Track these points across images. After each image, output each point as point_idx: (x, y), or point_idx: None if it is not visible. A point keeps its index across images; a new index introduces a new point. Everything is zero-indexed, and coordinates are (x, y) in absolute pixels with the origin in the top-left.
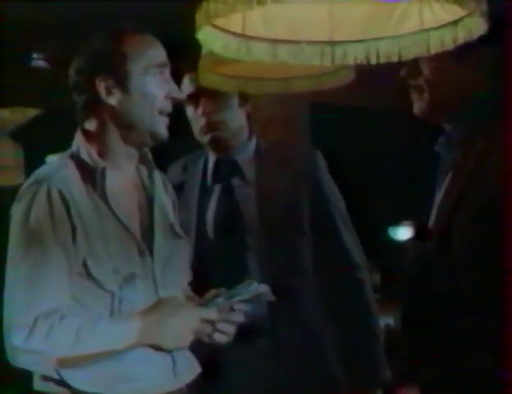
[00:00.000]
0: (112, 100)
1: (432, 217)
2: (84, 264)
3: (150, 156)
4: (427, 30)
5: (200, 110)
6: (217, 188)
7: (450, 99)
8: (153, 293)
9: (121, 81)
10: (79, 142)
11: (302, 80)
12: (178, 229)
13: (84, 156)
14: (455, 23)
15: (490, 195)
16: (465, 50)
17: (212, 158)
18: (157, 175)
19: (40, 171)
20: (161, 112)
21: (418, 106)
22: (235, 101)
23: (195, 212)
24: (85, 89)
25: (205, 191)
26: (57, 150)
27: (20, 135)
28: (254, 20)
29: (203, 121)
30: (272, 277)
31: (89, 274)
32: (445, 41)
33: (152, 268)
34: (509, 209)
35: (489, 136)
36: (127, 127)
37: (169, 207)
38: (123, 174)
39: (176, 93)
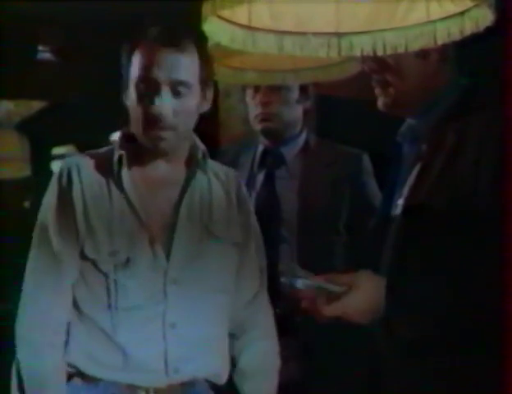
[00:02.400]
0: None
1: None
2: (81, 244)
3: (199, 156)
4: (434, 22)
5: (258, 99)
6: (261, 177)
7: (415, 93)
8: (159, 286)
9: None
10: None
11: (308, 71)
12: (216, 231)
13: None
14: (462, 14)
15: (463, 191)
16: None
17: (260, 148)
18: (205, 176)
19: (68, 159)
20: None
21: (382, 100)
22: (294, 95)
23: None
24: None
25: (251, 180)
26: (63, 143)
27: (26, 127)
28: (261, 12)
29: (258, 110)
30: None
31: (82, 253)
32: (452, 32)
33: (165, 261)
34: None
35: (461, 131)
36: None
37: (212, 209)
38: (156, 169)
39: None
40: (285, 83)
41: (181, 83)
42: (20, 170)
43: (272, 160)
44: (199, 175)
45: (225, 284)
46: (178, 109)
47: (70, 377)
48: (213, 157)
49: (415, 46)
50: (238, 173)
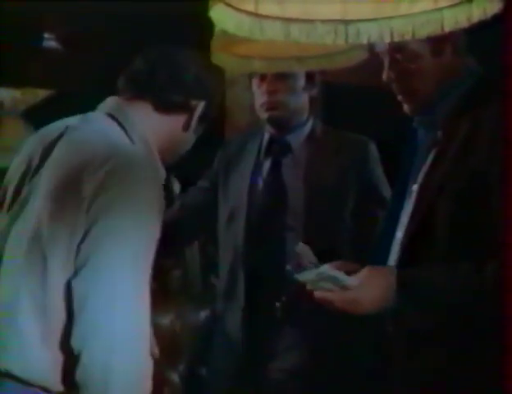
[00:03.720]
0: None
1: (411, 196)
2: None
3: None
4: (441, 9)
5: (264, 87)
6: (267, 165)
7: (436, 90)
8: None
9: None
10: None
11: (315, 59)
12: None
13: None
14: (470, 1)
15: (476, 179)
16: (438, 42)
17: (266, 136)
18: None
19: None
20: None
21: (408, 107)
22: (300, 83)
23: (247, 188)
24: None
25: (257, 168)
26: None
27: (31, 115)
28: None
29: (265, 98)
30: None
31: None
32: (459, 19)
33: None
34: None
35: (476, 119)
36: None
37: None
38: None
39: None
40: (291, 71)
41: None
42: None
43: (278, 148)
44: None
45: None
46: None
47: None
48: (218, 146)
49: (422, 33)
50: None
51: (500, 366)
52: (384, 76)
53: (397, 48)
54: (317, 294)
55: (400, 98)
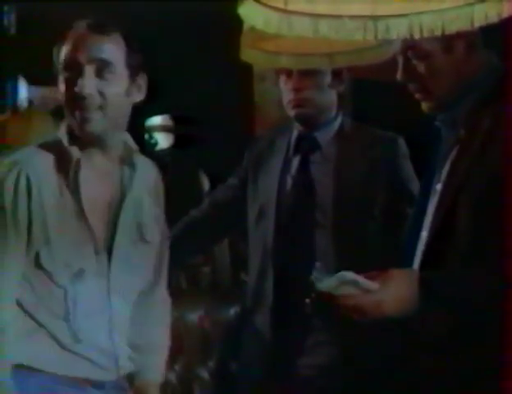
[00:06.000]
0: None
1: (435, 195)
2: (37, 255)
3: (132, 156)
4: (472, 4)
5: (291, 84)
6: (296, 162)
7: (453, 87)
8: (104, 294)
9: None
10: (63, 132)
11: (344, 55)
12: (148, 233)
13: (65, 144)
14: None
15: (496, 177)
16: (451, 39)
17: (295, 132)
18: (145, 175)
19: (19, 153)
20: None
21: (425, 105)
22: (327, 80)
23: (276, 185)
24: None
25: (286, 165)
26: None
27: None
28: None
29: (291, 96)
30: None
31: (39, 265)
32: (490, 15)
33: (107, 267)
34: None
35: (497, 115)
36: None
37: (147, 209)
38: (99, 170)
39: None
40: (320, 67)
41: (104, 63)
42: None
43: (306, 145)
44: (137, 174)
45: (147, 283)
46: (103, 91)
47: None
48: (248, 142)
49: (452, 29)
50: (154, 164)
51: None
52: (398, 76)
53: (409, 48)
54: (341, 299)
55: (417, 96)
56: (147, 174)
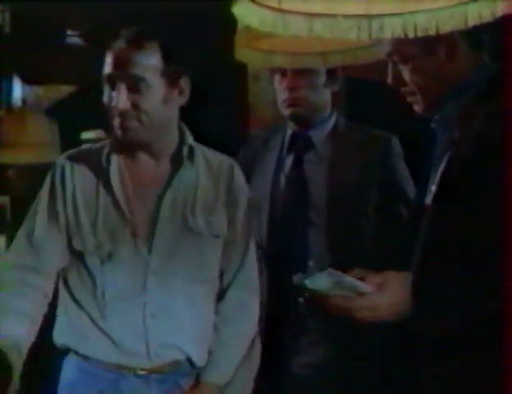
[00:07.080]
0: None
1: (429, 196)
2: (69, 237)
3: (185, 152)
4: (465, 3)
5: (285, 83)
6: (290, 160)
7: (444, 88)
8: (140, 277)
9: None
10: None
11: (338, 54)
12: (195, 225)
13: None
14: None
15: (490, 178)
16: (431, 42)
17: (289, 131)
18: (203, 169)
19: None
20: None
21: (417, 107)
22: (321, 79)
23: (270, 184)
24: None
25: (280, 163)
26: (91, 127)
27: (55, 111)
28: None
29: (286, 95)
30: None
31: (71, 245)
32: (483, 14)
33: (146, 253)
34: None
35: (490, 115)
36: None
37: (195, 202)
38: (140, 166)
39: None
40: (314, 66)
41: (137, 78)
42: (48, 154)
43: (300, 144)
44: (186, 169)
45: (204, 274)
46: (137, 103)
47: (66, 351)
48: (242, 141)
49: (446, 28)
50: (233, 162)
51: None
52: (388, 81)
53: (394, 52)
54: (333, 301)
55: (408, 99)
56: (205, 168)
